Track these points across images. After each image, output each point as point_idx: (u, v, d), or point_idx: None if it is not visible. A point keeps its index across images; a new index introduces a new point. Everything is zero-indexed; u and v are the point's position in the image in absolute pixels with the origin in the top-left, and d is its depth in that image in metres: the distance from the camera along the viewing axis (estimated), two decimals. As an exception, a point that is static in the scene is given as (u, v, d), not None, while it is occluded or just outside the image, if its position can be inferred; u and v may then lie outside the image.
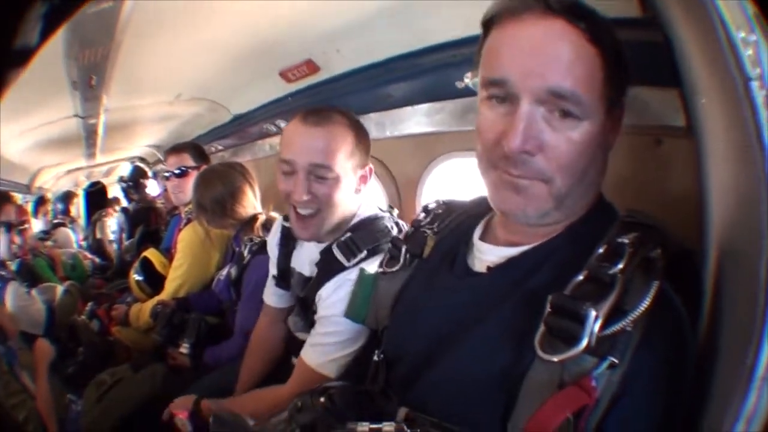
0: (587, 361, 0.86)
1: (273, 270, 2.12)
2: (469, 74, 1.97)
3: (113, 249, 6.50)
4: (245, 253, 2.56)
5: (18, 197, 6.04)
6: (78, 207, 8.19)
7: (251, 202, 2.82)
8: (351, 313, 1.59)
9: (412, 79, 2.40)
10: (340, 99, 2.69)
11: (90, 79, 3.23)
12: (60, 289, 4.17)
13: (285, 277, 2.06)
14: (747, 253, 0.74)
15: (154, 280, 3.36)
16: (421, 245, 1.37)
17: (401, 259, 1.39)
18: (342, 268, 1.73)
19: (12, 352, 2.29)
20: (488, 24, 1.06)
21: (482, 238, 1.22)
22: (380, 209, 1.94)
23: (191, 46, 2.89)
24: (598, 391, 0.85)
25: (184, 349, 2.57)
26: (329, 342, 1.72)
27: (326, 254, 1.79)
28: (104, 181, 8.38)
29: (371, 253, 1.72)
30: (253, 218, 2.77)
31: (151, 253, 3.53)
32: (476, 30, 1.10)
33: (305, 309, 1.93)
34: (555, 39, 0.96)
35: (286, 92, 3.23)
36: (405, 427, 1.03)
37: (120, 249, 5.94)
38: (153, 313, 2.76)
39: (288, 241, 2.03)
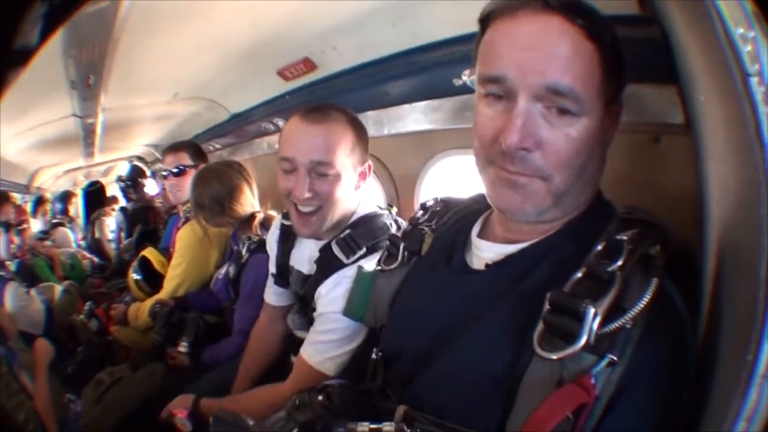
0: (586, 359, 0.86)
1: (272, 268, 2.12)
2: (466, 72, 1.97)
3: (112, 248, 6.49)
4: (243, 251, 2.56)
5: (17, 197, 6.04)
6: (77, 207, 8.17)
7: (249, 201, 2.82)
8: (349, 311, 1.59)
9: (410, 76, 2.39)
10: (337, 97, 2.69)
11: (88, 79, 3.23)
12: (59, 288, 4.16)
13: (284, 275, 2.06)
14: (747, 250, 0.73)
15: (153, 280, 3.36)
16: (419, 243, 1.37)
17: (399, 257, 1.39)
18: (341, 265, 1.73)
19: (12, 353, 2.28)
20: (485, 21, 1.06)
21: (480, 236, 1.22)
22: (379, 207, 1.93)
23: (189, 45, 2.89)
24: (597, 390, 0.84)
25: (183, 348, 2.57)
26: (328, 339, 1.72)
27: (325, 251, 1.79)
28: (103, 180, 8.37)
29: (370, 250, 1.72)
30: (251, 217, 2.76)
31: (150, 253, 3.53)
32: (473, 27, 1.10)
33: (305, 307, 1.93)
34: (553, 35, 0.96)
35: (284, 90, 3.23)
36: (405, 427, 1.03)
37: (118, 248, 5.93)
38: (152, 313, 2.75)
39: (287, 239, 2.03)
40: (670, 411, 0.87)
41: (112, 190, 7.67)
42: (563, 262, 1.00)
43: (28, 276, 4.50)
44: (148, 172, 6.25)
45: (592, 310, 0.84)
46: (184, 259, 3.04)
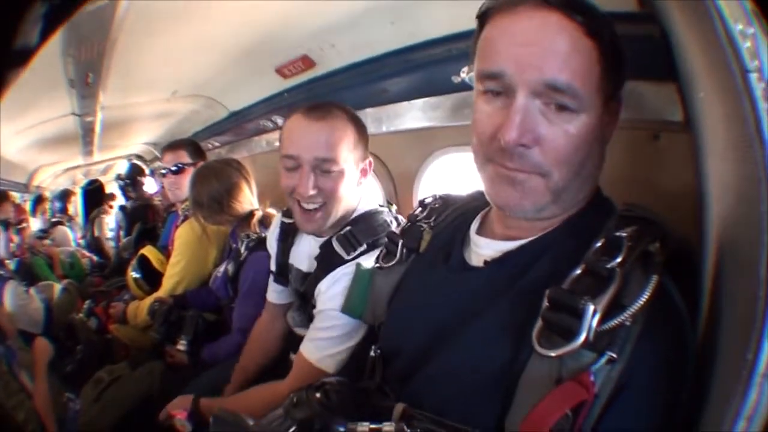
0: (585, 357, 0.86)
1: (272, 266, 2.12)
2: (465, 69, 1.97)
3: (111, 247, 6.49)
4: (242, 249, 2.55)
5: (16, 196, 6.04)
6: (76, 205, 8.18)
7: (248, 199, 2.81)
8: (348, 308, 1.60)
9: (408, 74, 2.40)
10: (336, 94, 2.70)
11: (86, 77, 3.23)
12: (58, 287, 4.17)
13: (284, 273, 2.06)
14: (747, 248, 0.73)
15: (152, 278, 3.35)
16: (418, 240, 1.37)
17: (398, 254, 1.39)
18: (342, 262, 1.73)
19: (11, 352, 2.28)
20: (483, 17, 1.06)
21: (479, 233, 1.22)
22: (379, 204, 1.93)
23: (187, 44, 2.89)
24: (596, 387, 0.84)
25: (182, 346, 2.57)
26: (328, 336, 1.72)
27: (326, 248, 1.79)
28: (102, 179, 8.37)
29: (371, 247, 1.72)
30: (250, 214, 2.76)
31: (149, 251, 3.52)
32: (471, 24, 1.10)
33: (304, 304, 1.94)
34: (551, 31, 0.95)
35: (283, 88, 3.23)
36: (405, 427, 1.02)
37: (117, 247, 5.93)
38: (150, 311, 2.76)
39: (287, 237, 2.03)
40: (670, 409, 0.87)
41: (111, 188, 7.67)
42: (562, 259, 1.00)
43: (28, 275, 4.51)
44: (146, 171, 6.25)
45: (591, 307, 0.83)
46: (182, 257, 3.04)
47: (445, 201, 1.46)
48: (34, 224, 6.41)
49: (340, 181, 1.72)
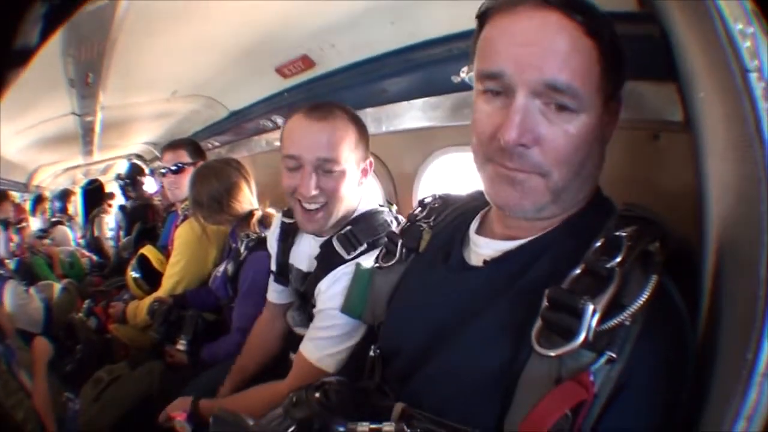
0: (585, 356, 0.86)
1: (272, 266, 2.12)
2: (464, 69, 1.97)
3: (110, 246, 6.49)
4: (242, 249, 2.55)
5: (16, 196, 6.04)
6: (75, 205, 8.19)
7: (247, 198, 2.81)
8: (347, 308, 1.60)
9: (408, 74, 2.40)
10: (336, 94, 2.70)
11: (86, 77, 3.23)
12: (58, 287, 4.17)
13: (284, 272, 2.06)
14: (747, 248, 0.73)
15: (152, 278, 3.35)
16: (417, 239, 1.37)
17: (397, 254, 1.39)
18: (342, 261, 1.74)
19: (10, 351, 2.28)
20: (483, 17, 1.05)
21: (479, 232, 1.22)
22: (380, 204, 1.94)
23: (187, 43, 2.89)
24: (596, 387, 0.84)
25: (182, 345, 2.57)
26: (328, 336, 1.72)
27: (326, 247, 1.80)
28: (101, 178, 8.38)
29: (371, 247, 1.72)
30: (250, 214, 2.76)
31: (148, 250, 3.52)
32: (471, 24, 1.10)
33: (304, 303, 1.94)
34: (551, 31, 0.95)
35: (282, 88, 3.23)
36: (404, 427, 1.02)
37: (117, 246, 5.93)
38: (150, 311, 2.76)
39: (287, 237, 2.04)
40: (670, 408, 0.87)
41: (111, 188, 7.68)
42: (562, 258, 0.99)
43: (27, 274, 4.52)
44: (146, 170, 6.26)
45: (590, 307, 0.83)
46: (182, 257, 3.04)
47: (444, 201, 1.46)
48: (34, 224, 6.42)
49: (342, 181, 1.72)
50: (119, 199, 7.06)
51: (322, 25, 2.48)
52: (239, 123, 4.18)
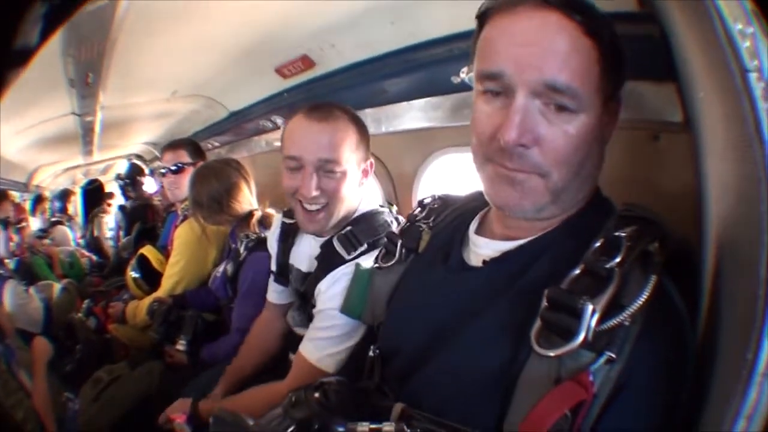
0: (584, 356, 0.85)
1: (273, 266, 2.12)
2: (464, 69, 1.97)
3: (110, 246, 6.50)
4: (241, 249, 2.55)
5: (15, 195, 6.04)
6: (75, 205, 8.19)
7: (247, 199, 2.81)
8: (346, 308, 1.60)
9: (408, 74, 2.40)
10: (335, 94, 2.70)
11: (86, 77, 3.23)
12: (57, 287, 4.17)
13: (284, 273, 2.06)
14: (746, 248, 0.73)
15: (151, 278, 3.35)
16: (417, 240, 1.37)
17: (396, 254, 1.39)
18: (342, 261, 1.74)
19: (9, 351, 2.28)
20: (483, 17, 1.05)
21: (478, 232, 1.22)
22: (380, 205, 1.94)
23: (187, 44, 2.89)
24: (595, 387, 0.84)
25: (181, 346, 2.57)
26: (327, 336, 1.72)
27: (326, 247, 1.80)
28: (101, 178, 8.38)
29: (371, 247, 1.72)
30: (250, 215, 2.76)
31: (148, 251, 3.52)
32: (471, 25, 1.10)
33: (305, 304, 1.94)
34: (551, 31, 0.95)
35: (282, 88, 3.23)
36: (404, 427, 1.02)
37: (117, 246, 5.93)
38: (150, 311, 2.76)
39: (287, 237, 2.04)
40: (669, 409, 0.87)
41: (111, 188, 7.68)
42: (562, 259, 0.99)
43: (27, 274, 4.52)
44: (146, 170, 6.26)
45: (590, 307, 0.83)
46: (182, 257, 3.04)
47: (444, 201, 1.46)
48: (34, 224, 6.43)
49: (343, 182, 1.72)
50: (119, 199, 7.07)
51: (322, 25, 2.48)
52: (239, 123, 4.18)
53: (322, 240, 1.83)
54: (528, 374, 0.92)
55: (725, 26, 0.67)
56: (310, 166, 1.69)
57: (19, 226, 5.52)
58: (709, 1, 0.69)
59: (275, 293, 2.19)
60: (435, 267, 1.26)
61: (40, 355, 2.43)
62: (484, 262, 1.15)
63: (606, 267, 0.89)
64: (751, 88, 0.66)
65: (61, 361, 3.03)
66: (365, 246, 1.74)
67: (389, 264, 1.40)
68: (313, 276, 1.83)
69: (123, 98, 3.97)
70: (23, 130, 4.21)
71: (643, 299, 0.85)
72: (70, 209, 7.98)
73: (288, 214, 2.00)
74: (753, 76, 0.66)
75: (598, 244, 0.94)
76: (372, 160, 1.85)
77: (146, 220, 5.20)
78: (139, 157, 7.17)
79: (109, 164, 8.03)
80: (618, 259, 0.89)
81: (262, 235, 2.54)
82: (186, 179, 3.13)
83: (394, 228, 1.73)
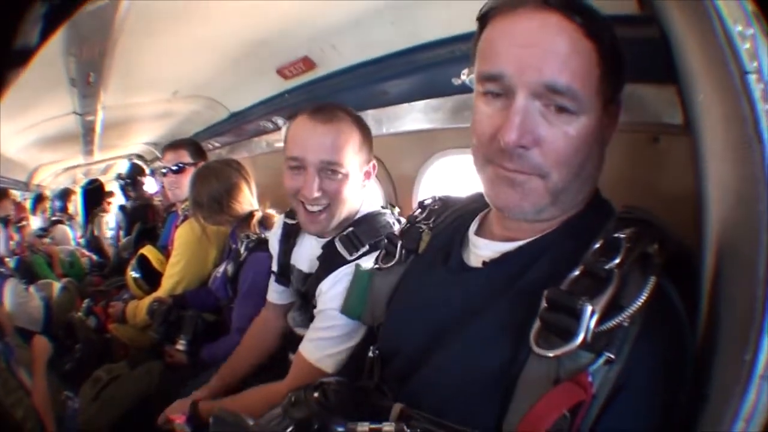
0: (583, 357, 0.85)
1: (274, 266, 2.12)
2: (465, 71, 1.97)
3: (110, 245, 6.50)
4: (242, 250, 2.55)
5: (16, 194, 6.05)
6: (76, 204, 8.21)
7: (247, 199, 2.82)
8: (346, 309, 1.60)
9: (409, 75, 2.40)
10: (336, 95, 2.70)
11: (88, 76, 3.23)
12: (57, 286, 4.18)
13: (285, 273, 2.06)
14: (746, 249, 0.73)
15: (152, 278, 3.35)
16: (417, 241, 1.37)
17: (397, 255, 1.39)
18: (344, 262, 1.73)
19: (9, 349, 2.28)
20: (484, 19, 1.06)
21: (478, 233, 1.22)
22: (381, 206, 1.94)
23: (188, 44, 2.89)
24: (594, 387, 0.84)
25: (181, 346, 2.57)
26: (328, 336, 1.72)
27: (328, 248, 1.80)
28: (102, 178, 8.40)
29: (373, 248, 1.72)
30: (250, 215, 2.76)
31: (148, 251, 3.52)
32: (472, 26, 1.10)
33: (306, 304, 1.93)
34: (551, 32, 0.95)
35: (283, 89, 3.23)
36: (405, 428, 1.02)
37: (117, 246, 5.94)
38: (150, 311, 2.76)
39: (289, 238, 2.04)
40: (668, 410, 0.87)
41: (111, 188, 7.70)
42: (561, 260, 0.99)
43: (27, 273, 4.53)
44: (147, 170, 6.27)
45: (589, 308, 0.83)
46: (182, 257, 3.04)
47: (444, 202, 1.46)
48: (34, 223, 6.45)
49: (345, 183, 1.72)
50: (119, 198, 7.08)
51: (324, 27, 2.48)
52: (240, 124, 4.19)
53: (323, 241, 1.83)
54: (527, 374, 0.92)
55: (725, 28, 0.67)
56: (313, 167, 1.69)
57: (19, 224, 5.53)
58: (709, 2, 0.69)
59: (276, 293, 2.19)
60: (435, 268, 1.26)
61: (40, 353, 2.43)
62: (484, 263, 1.15)
63: (605, 268, 0.89)
64: (750, 90, 0.66)
65: (61, 360, 3.04)
66: (367, 247, 1.74)
67: (389, 265, 1.40)
68: (314, 276, 1.82)
69: (124, 98, 3.98)
70: (24, 129, 4.22)
71: (642, 300, 0.85)
72: (71, 209, 8.00)
73: (290, 214, 2.00)
74: (752, 78, 0.66)
75: (597, 245, 0.94)
76: (374, 162, 1.85)
77: (147, 220, 5.21)
78: (139, 157, 7.19)
79: (110, 164, 8.05)
80: (617, 261, 0.89)
81: (263, 235, 2.55)
82: (187, 179, 3.13)
83: (396, 229, 1.73)
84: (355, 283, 1.58)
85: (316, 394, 1.14)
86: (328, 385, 1.16)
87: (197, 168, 3.08)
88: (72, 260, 5.46)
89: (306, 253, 1.93)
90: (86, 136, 5.10)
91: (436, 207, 1.45)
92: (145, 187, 6.12)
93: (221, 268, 2.75)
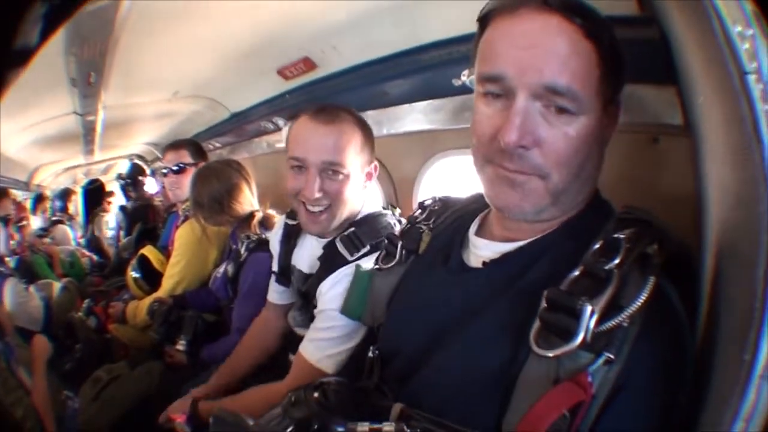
0: (583, 357, 0.86)
1: (274, 267, 2.12)
2: (466, 71, 1.98)
3: (110, 245, 6.51)
4: (242, 250, 2.55)
5: (17, 194, 6.05)
6: (76, 204, 8.21)
7: (248, 200, 2.82)
8: (346, 310, 1.60)
9: (409, 76, 2.40)
10: (337, 96, 2.70)
11: (89, 76, 3.24)
12: (58, 285, 4.18)
13: (285, 273, 2.06)
14: (746, 250, 0.73)
15: (152, 278, 3.35)
16: (417, 241, 1.37)
17: (397, 256, 1.39)
18: (344, 262, 1.73)
19: (9, 348, 2.28)
20: (484, 20, 1.06)
21: (478, 234, 1.22)
22: (382, 207, 1.94)
23: (189, 44, 2.89)
24: (594, 387, 0.84)
25: (181, 346, 2.57)
26: (328, 337, 1.72)
27: (329, 248, 1.80)
28: (102, 178, 8.40)
29: (374, 248, 1.72)
30: (250, 215, 2.76)
31: (149, 251, 3.52)
32: (473, 27, 1.10)
33: (306, 304, 1.93)
34: (551, 33, 0.96)
35: (284, 90, 3.23)
36: (405, 428, 1.02)
37: (117, 246, 5.94)
38: (150, 311, 2.76)
39: (290, 239, 2.04)
40: (668, 410, 0.87)
41: (112, 188, 7.70)
42: (561, 260, 0.99)
43: (27, 273, 4.53)
44: (147, 171, 6.27)
45: (588, 308, 0.83)
46: (182, 258, 3.04)
47: (444, 203, 1.46)
48: (35, 222, 6.44)
49: (346, 184, 1.72)
50: (119, 198, 7.08)
51: (324, 27, 2.49)
52: (240, 124, 4.19)
53: (324, 241, 1.83)
54: (527, 374, 0.92)
55: (724, 28, 0.67)
56: (314, 167, 1.69)
57: (19, 224, 5.53)
58: (709, 2, 0.69)
59: (276, 293, 2.19)
60: (435, 268, 1.26)
61: (40, 353, 2.43)
62: (484, 263, 1.15)
63: (605, 268, 0.89)
64: (749, 90, 0.66)
65: (61, 360, 3.04)
66: (368, 247, 1.74)
67: (389, 265, 1.40)
68: (315, 276, 1.82)
69: (125, 98, 3.98)
70: (25, 129, 4.22)
71: (641, 300, 0.85)
72: (71, 209, 8.00)
73: (291, 215, 2.00)
74: (751, 78, 0.66)
75: (597, 245, 0.94)
76: (376, 163, 1.85)
77: (147, 221, 5.21)
78: (140, 157, 7.19)
79: (111, 164, 8.05)
80: (617, 261, 0.89)
81: (263, 236, 2.55)
82: (187, 180, 3.13)
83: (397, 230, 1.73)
84: (355, 283, 1.58)
85: (316, 394, 1.14)
86: (328, 385, 1.17)
87: (198, 168, 3.08)
88: (72, 260, 5.46)
89: (307, 254, 1.93)
90: (87, 136, 5.10)
91: (436, 208, 1.45)
92: (145, 188, 6.12)
93: (221, 269, 2.75)
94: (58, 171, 7.53)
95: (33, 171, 6.44)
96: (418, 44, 2.22)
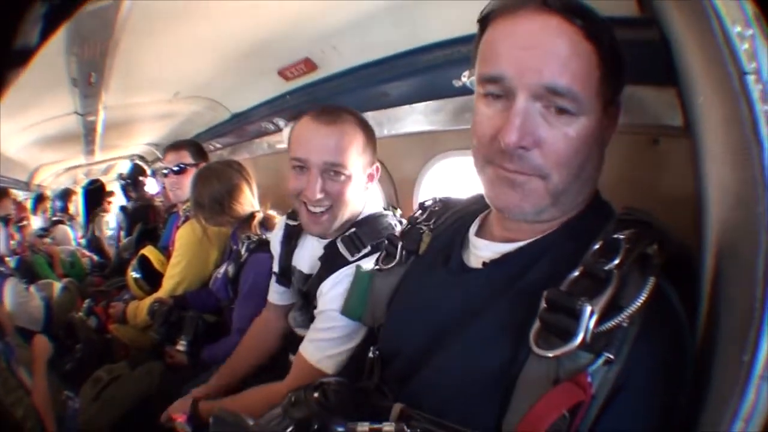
0: (583, 357, 0.86)
1: (275, 267, 2.13)
2: (466, 72, 1.97)
3: (110, 245, 6.51)
4: (243, 251, 2.56)
5: (17, 194, 6.05)
6: (77, 204, 8.21)
7: (249, 200, 2.82)
8: (347, 310, 1.60)
9: (410, 77, 2.40)
10: (337, 97, 2.70)
11: (89, 76, 3.23)
12: (58, 286, 4.18)
13: (286, 274, 2.07)
14: (745, 250, 0.73)
15: (152, 278, 3.35)
16: (417, 242, 1.37)
17: (397, 256, 1.39)
18: (345, 263, 1.74)
19: (9, 348, 2.28)
20: (484, 21, 1.06)
21: (478, 235, 1.23)
22: (383, 208, 1.94)
23: (190, 45, 2.89)
24: (593, 388, 0.84)
25: (182, 346, 2.57)
26: (328, 337, 1.72)
27: (330, 249, 1.80)
28: (103, 178, 8.41)
29: (375, 249, 1.72)
30: (251, 216, 2.76)
31: (149, 251, 3.53)
32: (473, 28, 1.10)
33: (307, 304, 1.93)
34: (551, 34, 0.96)
35: (284, 90, 3.23)
36: (405, 428, 1.02)
37: (118, 247, 5.94)
38: (150, 311, 2.76)
39: (290, 239, 2.04)
40: (667, 410, 0.87)
41: (112, 188, 7.70)
42: (561, 260, 1.00)
43: (28, 273, 4.53)
44: (148, 171, 6.27)
45: (588, 308, 0.83)
46: (183, 258, 3.04)
47: (444, 204, 1.47)
48: (35, 222, 6.45)
49: (348, 185, 1.72)
50: (120, 199, 7.08)
51: (325, 28, 2.48)
52: (241, 125, 4.19)
53: (325, 242, 1.83)
54: (527, 375, 0.92)
55: (723, 28, 0.67)
56: (316, 168, 1.69)
57: (20, 224, 5.54)
58: (708, 3, 0.69)
59: (276, 294, 2.19)
60: (435, 269, 1.26)
61: (40, 353, 2.43)
62: (484, 263, 1.15)
63: (605, 269, 0.89)
64: (748, 91, 0.66)
65: (61, 360, 3.04)
66: (369, 248, 1.74)
67: (390, 266, 1.40)
68: (315, 277, 1.83)
69: (125, 98, 3.98)
70: (25, 129, 4.22)
71: (641, 301, 0.85)
72: (72, 209, 8.00)
73: (292, 215, 2.01)
74: (751, 79, 0.66)
75: (597, 246, 0.95)
76: (378, 164, 1.85)
77: (148, 221, 5.21)
78: (141, 157, 7.19)
79: (111, 164, 8.05)
80: (617, 261, 0.89)
81: (264, 236, 2.55)
82: (188, 180, 3.13)
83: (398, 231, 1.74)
84: (355, 284, 1.58)
85: (316, 394, 1.14)
86: (328, 386, 1.17)
87: (198, 169, 3.08)
88: (73, 260, 5.46)
89: (307, 254, 1.93)
90: (87, 136, 5.10)
91: (436, 208, 1.45)
92: (146, 188, 6.13)
93: (222, 269, 2.75)
94: (59, 171, 7.54)
95: (33, 171, 6.44)
96: (418, 45, 2.22)
